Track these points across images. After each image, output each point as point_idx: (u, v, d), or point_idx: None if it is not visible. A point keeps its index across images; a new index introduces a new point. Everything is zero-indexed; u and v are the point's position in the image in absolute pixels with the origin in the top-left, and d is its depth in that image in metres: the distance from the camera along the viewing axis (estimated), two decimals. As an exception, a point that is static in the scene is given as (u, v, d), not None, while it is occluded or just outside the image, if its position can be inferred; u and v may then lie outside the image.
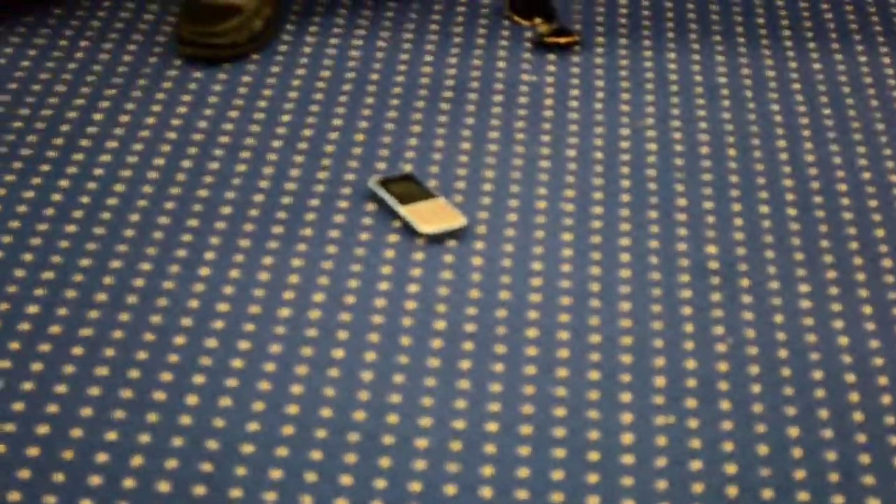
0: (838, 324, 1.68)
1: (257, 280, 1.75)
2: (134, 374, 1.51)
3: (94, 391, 1.48)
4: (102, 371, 1.51)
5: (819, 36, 2.53)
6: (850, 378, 1.57)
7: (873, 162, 2.11)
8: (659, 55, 2.37)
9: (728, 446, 1.44)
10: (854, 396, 1.53)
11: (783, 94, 2.28)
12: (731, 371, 1.57)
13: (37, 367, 1.52)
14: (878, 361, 1.59)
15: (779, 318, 1.71)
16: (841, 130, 2.17)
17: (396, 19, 2.48)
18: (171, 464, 1.37)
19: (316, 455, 1.43)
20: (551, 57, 2.30)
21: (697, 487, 1.38)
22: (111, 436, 1.42)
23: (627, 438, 1.46)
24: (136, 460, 1.36)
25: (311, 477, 1.39)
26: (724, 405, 1.50)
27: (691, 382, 1.55)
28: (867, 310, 1.71)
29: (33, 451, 1.39)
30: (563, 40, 2.30)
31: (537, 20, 2.37)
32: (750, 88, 2.32)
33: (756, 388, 1.54)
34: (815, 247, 1.85)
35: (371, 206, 1.89)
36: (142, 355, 1.57)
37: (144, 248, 1.82)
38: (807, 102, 2.26)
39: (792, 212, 1.96)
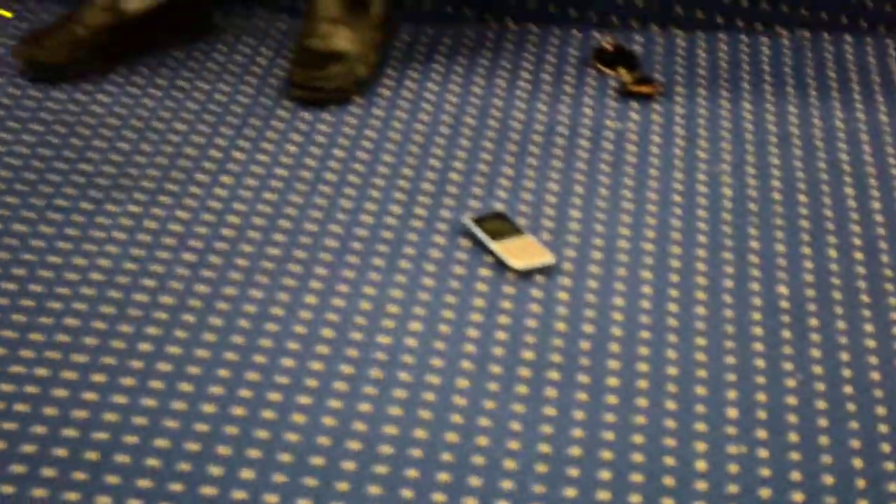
0: (901, 362, 1.64)
1: (359, 309, 1.76)
2: (246, 393, 1.54)
3: (209, 409, 1.49)
4: (217, 391, 1.53)
5: (886, 88, 2.51)
6: (913, 414, 1.53)
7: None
8: (735, 105, 2.36)
9: (796, 476, 1.45)
10: (917, 431, 1.50)
11: (851, 143, 2.28)
12: (800, 405, 1.58)
13: (156, 384, 1.53)
14: (942, 399, 1.56)
15: (845, 356, 1.71)
16: None
17: (490, 67, 2.49)
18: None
19: (412, 473, 1.46)
20: (634, 105, 2.30)
21: (767, 513, 1.36)
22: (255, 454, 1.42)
23: (701, 465, 1.48)
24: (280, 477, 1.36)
25: (407, 494, 1.42)
26: (793, 437, 1.51)
27: (762, 415, 1.56)
28: (930, 350, 1.66)
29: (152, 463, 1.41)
30: (644, 89, 2.32)
31: (621, 70, 2.37)
32: (820, 139, 2.30)
33: (823, 422, 1.54)
34: (879, 289, 1.86)
35: (465, 242, 1.90)
36: (252, 376, 1.62)
37: (256, 277, 1.84)
38: (874, 152, 2.24)
39: (858, 256, 1.95)
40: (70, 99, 2.25)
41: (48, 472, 1.39)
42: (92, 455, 1.41)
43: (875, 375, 1.65)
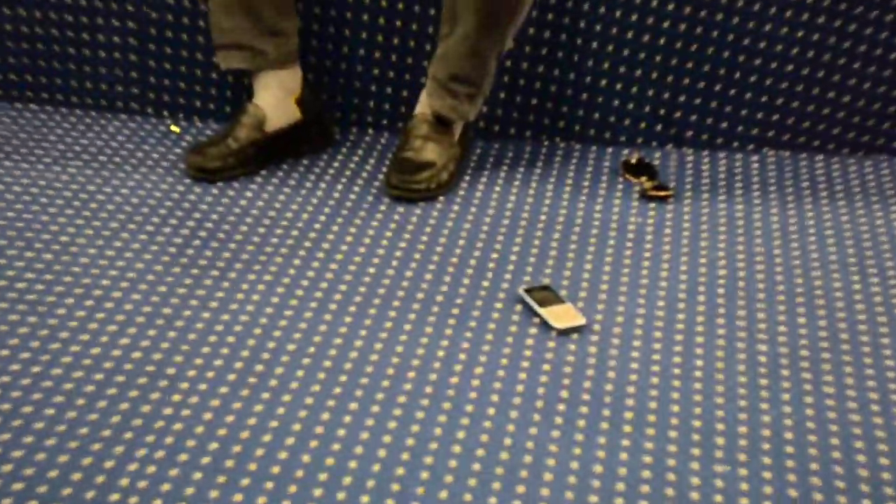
0: None
1: (433, 366, 1.79)
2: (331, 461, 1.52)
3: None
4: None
5: (848, 197, 2.49)
6: None
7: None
8: (730, 207, 2.35)
9: (792, 493, 1.47)
10: None
11: (819, 237, 2.25)
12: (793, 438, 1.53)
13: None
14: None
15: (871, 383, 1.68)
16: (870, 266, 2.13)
17: (542, 175, 2.47)
18: None
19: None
20: (652, 206, 2.31)
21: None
22: None
23: (719, 498, 1.49)
24: None
25: None
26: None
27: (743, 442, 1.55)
28: None
29: None
30: (661, 194, 2.32)
31: (643, 178, 2.37)
32: (795, 232, 2.27)
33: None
34: (838, 348, 1.84)
35: (518, 308, 1.92)
36: (331, 402, 1.60)
37: (360, 331, 1.84)
38: (836, 245, 2.22)
39: (861, 307, 1.98)
40: (222, 195, 2.28)
41: None
42: None
43: (831, 415, 1.64)
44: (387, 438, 1.59)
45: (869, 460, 1.59)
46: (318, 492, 1.44)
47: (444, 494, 1.45)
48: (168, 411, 1.62)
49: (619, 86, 2.54)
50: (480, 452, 1.55)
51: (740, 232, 2.25)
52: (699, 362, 1.81)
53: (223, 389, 1.67)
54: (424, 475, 1.50)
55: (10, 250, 2.09)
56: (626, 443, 1.59)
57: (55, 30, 2.63)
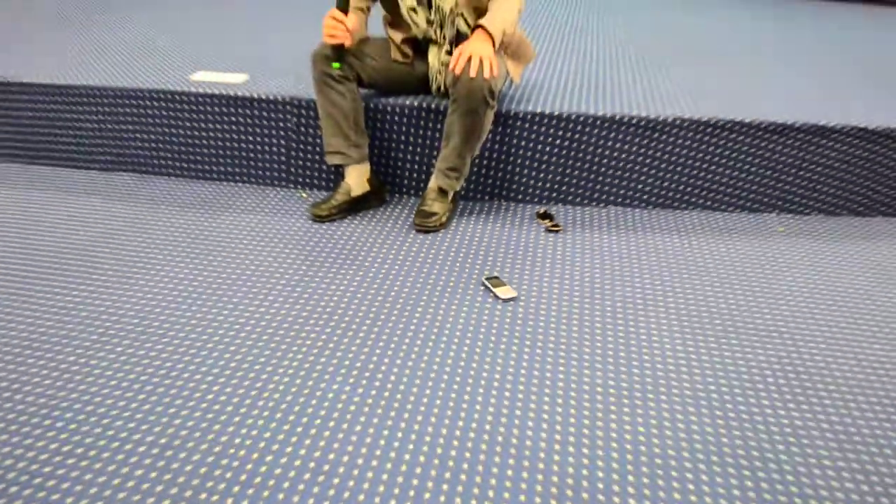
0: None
1: (437, 314, 1.77)
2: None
3: None
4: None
5: (724, 203, 2.39)
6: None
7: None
8: (595, 236, 2.26)
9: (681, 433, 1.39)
10: None
11: (681, 264, 2.10)
12: None
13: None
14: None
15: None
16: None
17: (494, 217, 2.36)
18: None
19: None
20: (551, 236, 2.26)
21: None
22: None
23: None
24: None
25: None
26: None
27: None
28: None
29: None
30: (556, 229, 2.30)
31: (546, 221, 2.35)
32: (653, 254, 2.14)
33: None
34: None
35: (481, 289, 1.93)
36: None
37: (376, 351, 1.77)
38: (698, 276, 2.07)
39: (689, 306, 1.86)
40: (328, 230, 2.24)
41: None
42: None
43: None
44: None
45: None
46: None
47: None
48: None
49: (534, 172, 2.50)
50: (463, 355, 1.65)
51: (605, 250, 2.20)
52: (585, 317, 1.80)
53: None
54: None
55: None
56: (527, 355, 1.63)
57: (233, 142, 2.58)
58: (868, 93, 2.68)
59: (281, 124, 2.47)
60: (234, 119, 2.47)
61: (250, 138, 2.51)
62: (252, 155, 2.53)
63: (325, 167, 2.50)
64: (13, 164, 2.60)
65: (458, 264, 2.04)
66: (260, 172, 2.55)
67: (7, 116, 2.61)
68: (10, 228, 2.11)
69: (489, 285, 1.92)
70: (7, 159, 2.67)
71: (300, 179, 2.54)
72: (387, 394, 1.50)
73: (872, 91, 2.71)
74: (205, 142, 2.53)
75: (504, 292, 1.89)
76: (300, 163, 2.52)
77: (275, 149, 2.51)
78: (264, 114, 2.45)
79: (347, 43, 2.08)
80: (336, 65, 2.11)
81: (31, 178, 2.49)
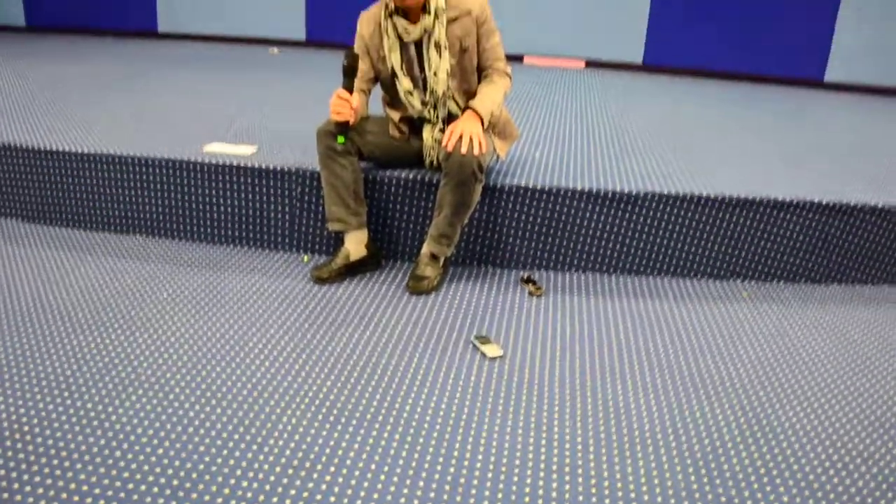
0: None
1: (430, 370, 1.80)
2: None
3: None
4: None
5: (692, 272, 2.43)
6: None
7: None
8: (574, 299, 2.31)
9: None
10: None
11: (653, 327, 2.12)
12: None
13: None
14: None
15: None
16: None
17: (483, 281, 2.39)
18: None
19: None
20: (534, 299, 2.31)
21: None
22: None
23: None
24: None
25: None
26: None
27: None
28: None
29: None
30: (538, 292, 2.34)
31: (530, 284, 2.39)
32: (626, 325, 2.15)
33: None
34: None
35: (470, 346, 1.97)
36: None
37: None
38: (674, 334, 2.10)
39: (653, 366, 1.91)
40: (328, 291, 2.28)
41: None
42: None
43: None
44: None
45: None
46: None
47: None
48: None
49: (519, 240, 2.55)
50: (457, 399, 1.72)
51: (584, 313, 2.25)
52: (566, 374, 1.86)
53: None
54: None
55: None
56: (512, 408, 1.69)
57: (241, 208, 2.64)
58: (821, 169, 2.80)
59: (286, 193, 2.53)
60: (242, 187, 2.54)
61: (257, 205, 2.56)
62: (258, 220, 2.57)
63: (326, 233, 2.54)
64: (31, 225, 2.65)
65: (448, 324, 2.08)
66: (265, 237, 2.59)
67: (28, 180, 2.67)
68: (25, 285, 2.14)
69: (477, 344, 1.95)
70: (25, 220, 2.74)
71: (303, 244, 2.58)
72: (383, 443, 1.53)
73: (826, 167, 2.83)
74: (215, 207, 2.58)
75: (491, 350, 1.93)
76: (303, 229, 2.57)
77: (280, 215, 2.56)
78: (271, 183, 2.52)
79: (351, 121, 2.16)
80: (341, 140, 2.19)
81: (48, 238, 2.54)
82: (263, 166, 2.49)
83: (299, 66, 4.57)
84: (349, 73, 2.11)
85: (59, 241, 2.52)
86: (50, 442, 1.46)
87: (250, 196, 2.54)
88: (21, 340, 1.84)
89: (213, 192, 2.55)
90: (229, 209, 2.56)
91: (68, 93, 3.41)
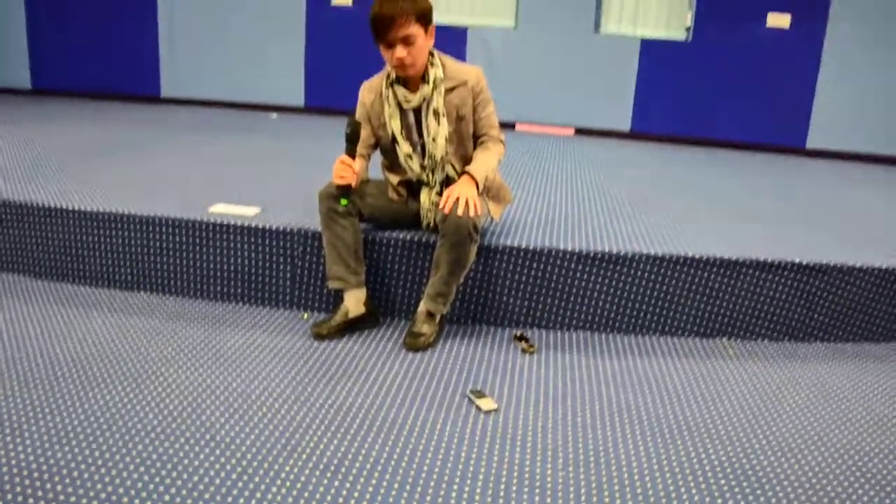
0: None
1: (428, 420, 1.83)
2: None
3: None
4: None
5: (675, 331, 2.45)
6: None
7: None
8: (564, 356, 2.33)
9: None
10: None
11: (635, 386, 2.12)
12: None
13: None
14: None
15: None
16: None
17: (477, 338, 2.41)
18: None
19: None
20: (527, 356, 2.34)
21: None
22: None
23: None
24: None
25: None
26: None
27: None
28: None
29: None
30: (531, 350, 2.37)
31: (522, 342, 2.42)
32: (612, 381, 2.17)
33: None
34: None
35: (465, 400, 2.01)
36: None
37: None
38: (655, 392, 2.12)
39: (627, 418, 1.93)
40: (327, 347, 2.29)
41: None
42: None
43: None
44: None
45: None
46: None
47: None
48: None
49: (512, 299, 2.60)
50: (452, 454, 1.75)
51: (574, 369, 2.29)
52: (558, 427, 1.89)
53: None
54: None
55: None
56: (507, 458, 1.73)
57: (244, 266, 2.68)
58: (802, 231, 2.90)
59: (288, 252, 2.57)
60: (246, 246, 2.59)
61: (260, 264, 2.60)
62: (261, 278, 2.60)
63: (326, 291, 2.57)
64: (39, 280, 2.67)
65: (444, 379, 2.10)
66: (267, 295, 2.61)
67: (36, 237, 2.70)
68: (34, 339, 2.16)
69: (473, 398, 1.99)
70: (33, 276, 2.77)
71: (303, 302, 2.61)
72: (382, 492, 1.56)
73: (806, 230, 2.93)
74: (219, 265, 2.61)
75: (486, 404, 1.96)
76: (304, 287, 2.60)
77: (282, 273, 2.59)
78: (274, 242, 2.57)
79: (353, 184, 2.25)
80: (344, 202, 2.27)
81: (55, 294, 2.57)
82: (266, 226, 2.54)
83: (299, 131, 4.67)
84: (352, 139, 2.20)
85: (66, 297, 2.55)
86: (59, 489, 1.49)
87: (253, 255, 2.58)
88: (30, 392, 1.86)
89: (218, 251, 2.59)
90: (233, 267, 2.60)
91: (75, 155, 3.47)
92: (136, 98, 6.11)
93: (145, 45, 5.94)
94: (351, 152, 2.22)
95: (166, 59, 5.94)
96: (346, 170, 2.20)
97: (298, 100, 5.97)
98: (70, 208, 2.62)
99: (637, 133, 5.70)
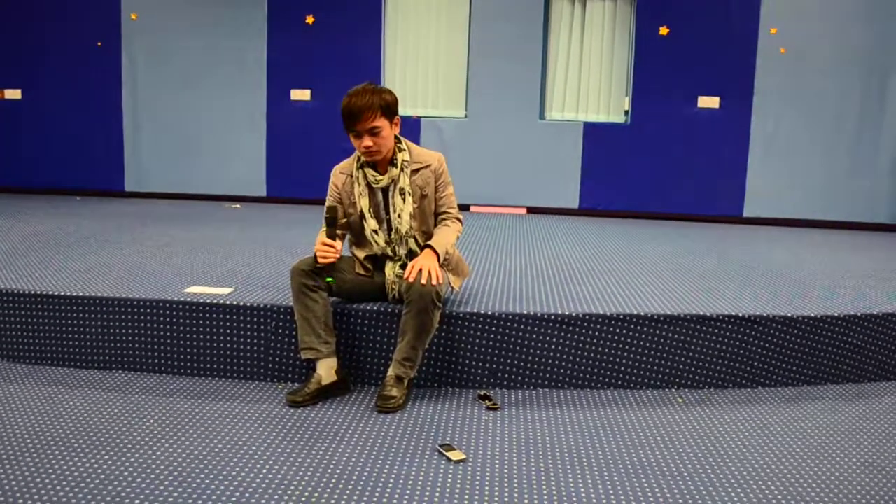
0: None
1: (402, 473, 1.88)
2: None
3: None
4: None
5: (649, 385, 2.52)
6: None
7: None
8: (529, 413, 2.41)
9: None
10: None
11: (606, 433, 2.20)
12: None
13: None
14: None
15: None
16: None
17: (444, 396, 2.50)
18: None
19: None
20: (490, 413, 2.41)
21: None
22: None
23: None
24: None
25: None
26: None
27: None
28: None
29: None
30: (494, 407, 2.44)
31: (487, 400, 2.49)
32: (574, 429, 2.25)
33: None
34: None
35: (436, 453, 2.07)
36: None
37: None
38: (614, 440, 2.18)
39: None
40: (303, 413, 2.32)
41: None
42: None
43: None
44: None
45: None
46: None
47: None
48: None
49: (475, 361, 2.68)
50: None
51: (535, 424, 2.35)
52: (523, 476, 1.93)
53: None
54: None
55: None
56: (476, 502, 1.79)
57: (219, 342, 2.74)
58: (737, 288, 3.07)
59: (261, 327, 2.65)
60: (221, 324, 2.65)
61: (235, 339, 2.66)
62: (236, 353, 2.65)
63: (299, 361, 2.62)
64: (17, 364, 2.68)
65: (415, 436, 2.16)
66: (243, 368, 2.66)
67: (13, 322, 2.72)
68: (18, 417, 2.18)
69: (442, 451, 2.07)
70: (11, 360, 2.78)
71: (277, 373, 2.66)
72: None
73: (740, 287, 3.11)
74: (195, 342, 2.66)
75: (455, 455, 2.04)
76: (277, 359, 2.66)
77: (255, 347, 2.66)
78: (247, 318, 2.65)
79: (335, 262, 2.43)
80: (330, 280, 2.44)
81: (35, 376, 2.58)
82: (240, 303, 2.62)
83: (262, 219, 4.83)
84: (331, 222, 2.39)
85: (46, 378, 2.56)
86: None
87: (228, 331, 2.64)
88: (20, 465, 1.87)
89: (193, 329, 2.64)
90: (208, 343, 2.64)
91: (46, 247, 3.51)
92: (100, 193, 6.21)
93: (110, 141, 6.11)
94: (331, 234, 2.39)
95: (129, 154, 6.07)
96: (328, 250, 2.37)
97: (261, 190, 6.14)
98: (46, 292, 2.67)
99: (585, 210, 5.98)
